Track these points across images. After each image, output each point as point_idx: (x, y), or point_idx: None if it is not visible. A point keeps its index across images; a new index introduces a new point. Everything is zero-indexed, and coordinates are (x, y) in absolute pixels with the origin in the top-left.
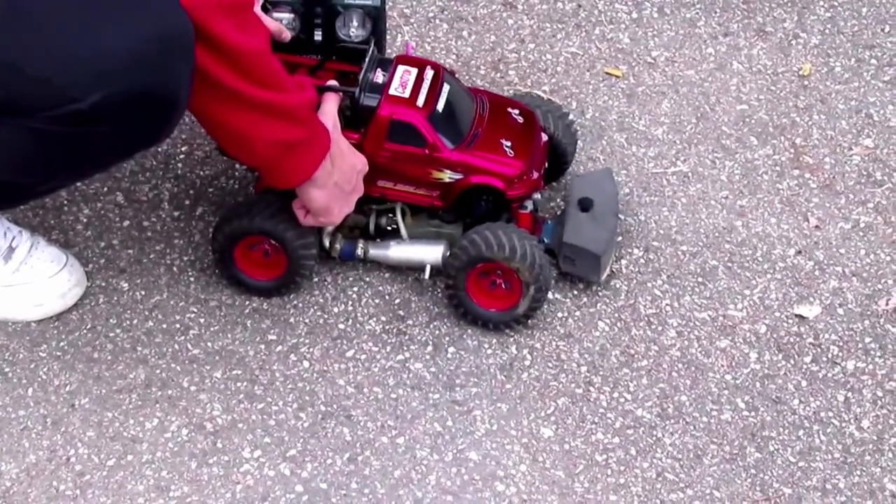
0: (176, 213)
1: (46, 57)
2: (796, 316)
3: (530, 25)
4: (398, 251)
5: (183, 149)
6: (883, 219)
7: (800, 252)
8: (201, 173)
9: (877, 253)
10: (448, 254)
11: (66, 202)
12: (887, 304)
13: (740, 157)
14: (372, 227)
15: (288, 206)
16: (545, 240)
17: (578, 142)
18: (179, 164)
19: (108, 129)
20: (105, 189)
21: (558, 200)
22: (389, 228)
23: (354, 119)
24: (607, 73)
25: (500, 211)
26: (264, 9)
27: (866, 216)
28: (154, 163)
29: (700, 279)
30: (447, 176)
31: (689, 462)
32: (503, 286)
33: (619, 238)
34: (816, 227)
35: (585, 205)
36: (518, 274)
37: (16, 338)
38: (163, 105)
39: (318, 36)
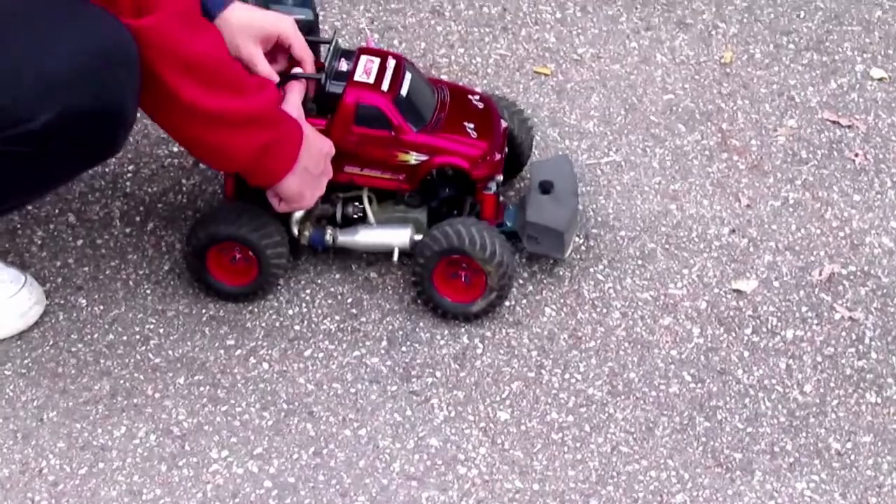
0: (128, 230)
1: None
2: (734, 291)
3: (458, 31)
4: (366, 236)
5: (130, 168)
6: (811, 194)
7: (733, 231)
8: (149, 190)
9: (807, 227)
10: (415, 237)
11: (19, 225)
12: (821, 275)
13: (670, 144)
14: (339, 215)
15: (258, 212)
16: (508, 223)
17: (534, 136)
18: (127, 183)
19: (59, 147)
20: (56, 211)
21: (518, 187)
22: (356, 216)
23: (321, 106)
24: (536, 73)
25: (464, 194)
26: None
27: (795, 193)
28: (103, 183)
29: (640, 262)
30: (413, 158)
31: (642, 434)
32: (464, 280)
33: (580, 219)
34: (748, 206)
35: (546, 187)
36: (487, 277)
37: None
38: (110, 120)
39: None
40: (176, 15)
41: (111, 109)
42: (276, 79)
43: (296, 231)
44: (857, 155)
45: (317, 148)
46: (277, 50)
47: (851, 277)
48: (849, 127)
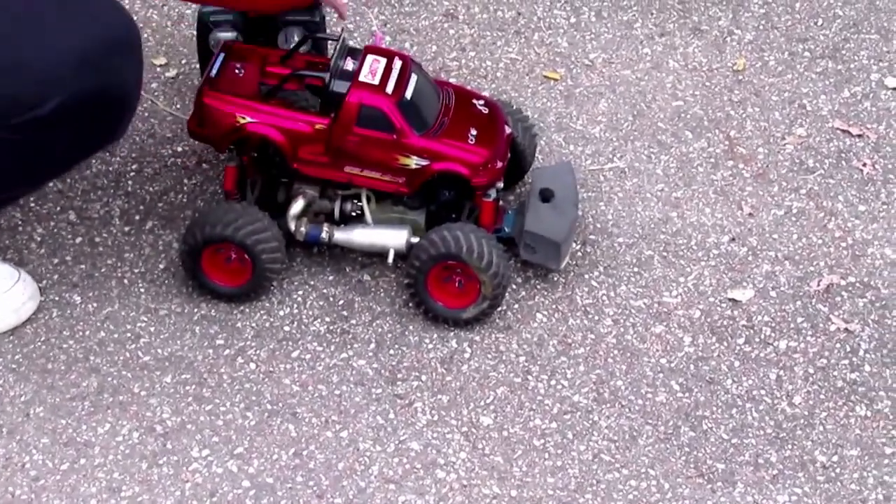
0: (126, 229)
1: None
2: (730, 300)
3: (471, 34)
4: (363, 235)
5: (133, 167)
6: (815, 204)
7: (733, 239)
8: (150, 189)
9: (809, 237)
10: (412, 239)
11: (20, 222)
12: (819, 285)
13: (675, 151)
14: (337, 212)
15: (255, 213)
16: (506, 229)
17: (537, 145)
18: (129, 182)
19: (66, 133)
20: (58, 208)
21: (518, 191)
22: (354, 214)
23: (324, 104)
24: (546, 77)
25: (463, 199)
26: (207, 29)
27: (799, 202)
28: (105, 181)
29: (636, 269)
30: (413, 162)
31: (625, 443)
32: (458, 286)
33: (579, 227)
34: (750, 214)
35: (546, 195)
36: (481, 285)
37: None
38: (115, 105)
39: None
40: None
41: (116, 94)
42: None
43: (292, 227)
44: (865, 165)
45: None
46: None
47: (850, 288)
48: (859, 136)
